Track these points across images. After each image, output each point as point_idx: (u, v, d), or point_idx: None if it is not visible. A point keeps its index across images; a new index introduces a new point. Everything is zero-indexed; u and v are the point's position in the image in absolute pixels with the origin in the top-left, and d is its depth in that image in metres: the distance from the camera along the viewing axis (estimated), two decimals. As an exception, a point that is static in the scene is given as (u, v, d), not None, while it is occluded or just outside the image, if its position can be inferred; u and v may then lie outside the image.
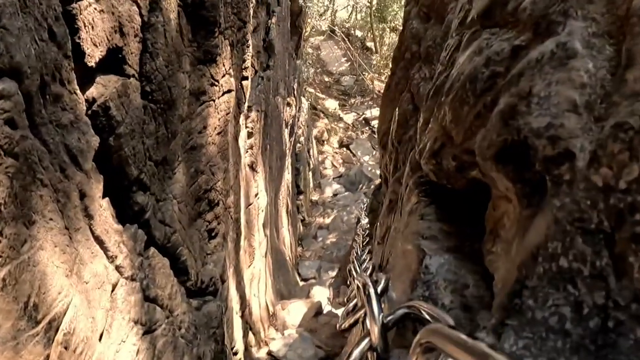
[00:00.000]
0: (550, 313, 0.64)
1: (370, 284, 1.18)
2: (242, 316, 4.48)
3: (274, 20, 5.84)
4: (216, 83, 3.22)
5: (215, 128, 3.31)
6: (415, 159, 1.34)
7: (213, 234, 3.39)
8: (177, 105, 2.54)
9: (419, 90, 2.20)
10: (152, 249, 2.15)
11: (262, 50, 5.59)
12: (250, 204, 5.55)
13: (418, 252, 1.02)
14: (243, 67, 4.16)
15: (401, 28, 3.38)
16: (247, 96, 4.35)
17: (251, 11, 4.37)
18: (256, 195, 5.80)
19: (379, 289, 1.29)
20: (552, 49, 0.79)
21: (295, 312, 6.42)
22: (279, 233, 9.14)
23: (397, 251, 1.22)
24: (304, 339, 5.29)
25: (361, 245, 5.54)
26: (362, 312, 1.50)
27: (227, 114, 3.52)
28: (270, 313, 6.33)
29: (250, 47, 4.29)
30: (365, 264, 4.21)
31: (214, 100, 3.23)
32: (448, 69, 1.13)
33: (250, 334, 5.00)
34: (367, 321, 1.06)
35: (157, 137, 2.26)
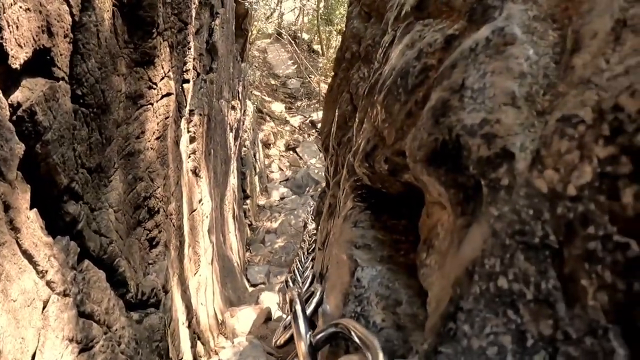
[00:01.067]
0: (489, 342, 0.54)
1: (297, 300, 1.11)
2: (189, 326, 4.34)
3: (217, 22, 5.73)
4: (154, 86, 3.11)
5: (153, 133, 3.20)
6: (350, 161, 1.32)
7: (154, 243, 3.27)
8: (112, 110, 2.43)
9: (357, 90, 2.19)
10: (87, 262, 2.03)
11: (205, 53, 5.47)
12: (194, 210, 5.40)
13: (350, 262, 0.93)
14: (184, 69, 4.05)
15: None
16: (189, 100, 4.23)
17: (193, 12, 4.27)
18: (200, 201, 5.66)
19: (315, 301, 1.22)
20: (488, 35, 0.71)
21: (244, 319, 6.31)
22: (225, 239, 8.97)
23: (332, 260, 1.15)
24: (254, 347, 5.22)
25: (306, 252, 5.38)
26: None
27: (166, 118, 3.41)
28: (219, 321, 6.19)
29: (192, 49, 4.18)
30: (308, 271, 4.15)
31: (152, 104, 3.12)
32: (382, 66, 1.07)
33: (199, 344, 4.86)
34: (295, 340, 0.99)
35: (90, 143, 2.15)
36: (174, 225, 3.98)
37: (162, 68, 3.17)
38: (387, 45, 1.12)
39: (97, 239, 2.17)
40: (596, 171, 0.48)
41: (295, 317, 1.05)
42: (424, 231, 0.82)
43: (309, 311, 1.37)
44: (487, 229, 0.59)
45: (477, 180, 0.65)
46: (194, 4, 4.38)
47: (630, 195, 0.45)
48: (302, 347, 0.94)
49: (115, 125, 2.54)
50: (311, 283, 2.67)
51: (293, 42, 21.30)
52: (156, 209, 3.28)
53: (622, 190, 0.46)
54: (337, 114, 2.63)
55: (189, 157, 5.14)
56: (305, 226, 10.12)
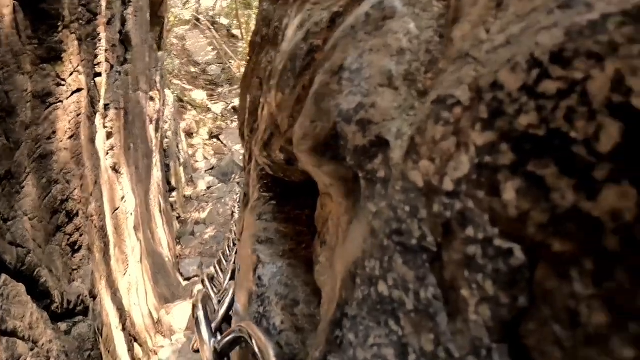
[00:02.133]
0: (373, 355, 0.48)
1: (199, 305, 1.06)
2: (124, 329, 4.20)
3: (130, 10, 5.43)
4: (63, 82, 2.92)
5: (65, 132, 3.02)
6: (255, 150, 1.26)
7: (76, 247, 3.11)
8: (18, 111, 2.26)
9: (265, 74, 2.22)
10: (4, 276, 1.90)
11: (119, 44, 5.17)
12: (117, 209, 5.17)
13: (254, 258, 0.88)
14: (95, 62, 3.82)
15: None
16: (102, 94, 4.01)
17: (103, 2, 4.01)
18: (122, 198, 5.42)
19: (227, 301, 1.17)
20: (367, 11, 0.63)
21: (180, 314, 6.19)
22: (154, 234, 8.66)
23: (240, 255, 1.08)
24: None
25: (232, 244, 5.14)
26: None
27: (78, 115, 3.22)
28: (155, 320, 6.02)
29: (103, 41, 3.95)
30: (231, 265, 4.03)
31: (62, 102, 2.93)
32: (278, 48, 1.01)
33: (137, 346, 4.71)
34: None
35: (-4, 149, 2.00)
36: (96, 227, 3.80)
37: (71, 63, 2.98)
38: (284, 28, 1.04)
39: (13, 251, 2.04)
40: (474, 162, 0.40)
41: (197, 324, 1.01)
42: (319, 223, 0.77)
43: (221, 312, 1.32)
44: (366, 226, 0.53)
45: (355, 173, 0.58)
46: (103, -8, 4.12)
47: (512, 190, 0.37)
48: (206, 353, 0.92)
49: (24, 128, 2.37)
50: (232, 278, 2.65)
51: (212, 27, 20.63)
52: (75, 211, 3.11)
53: (503, 184, 0.38)
54: (248, 100, 2.64)
55: (107, 153, 4.89)
56: (233, 215, 10.00)
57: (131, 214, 5.86)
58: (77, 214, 3.12)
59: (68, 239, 2.98)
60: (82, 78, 3.25)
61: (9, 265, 1.98)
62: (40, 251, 2.37)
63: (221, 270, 4.47)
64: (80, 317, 2.67)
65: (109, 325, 3.62)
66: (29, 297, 2.06)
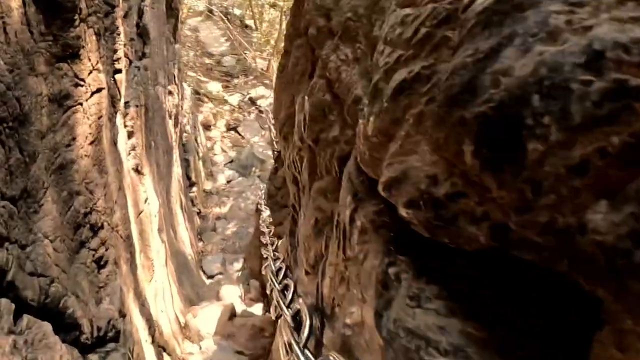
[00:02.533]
0: None
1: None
2: (153, 341, 3.97)
3: (147, 2, 5.11)
4: (82, 83, 2.63)
5: (86, 137, 2.73)
6: (369, 186, 1.01)
7: (102, 263, 2.84)
8: (32, 119, 1.97)
9: (339, 75, 1.81)
10: (26, 318, 1.62)
11: (136, 37, 4.87)
12: (141, 212, 4.94)
13: None
14: (114, 58, 3.53)
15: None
16: (123, 91, 3.73)
17: (117, -8, 3.70)
18: (146, 200, 5.17)
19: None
20: None
21: (207, 317, 5.97)
22: (176, 233, 8.48)
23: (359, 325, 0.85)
24: (222, 349, 4.92)
25: (272, 250, 4.92)
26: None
27: (99, 117, 2.93)
28: (182, 325, 5.82)
29: (122, 35, 3.65)
30: (278, 263, 3.82)
31: (81, 104, 2.64)
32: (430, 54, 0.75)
33: (165, 356, 4.49)
34: None
35: (9, 166, 1.71)
36: (122, 237, 3.55)
37: (90, 60, 2.68)
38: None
39: (34, 283, 1.76)
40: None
41: None
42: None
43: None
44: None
45: None
46: (118, -19, 3.81)
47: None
48: None
49: (40, 137, 2.08)
50: (285, 276, 2.48)
51: (225, 18, 20.39)
52: (99, 224, 2.85)
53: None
54: (306, 101, 2.26)
55: (129, 154, 4.63)
56: (257, 211, 9.71)
57: (155, 215, 5.63)
58: (101, 227, 2.85)
59: (93, 255, 2.71)
60: (102, 76, 2.96)
61: (31, 302, 1.70)
62: (64, 276, 2.10)
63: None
64: (112, 345, 2.40)
65: (139, 341, 3.38)
66: (56, 337, 1.78)
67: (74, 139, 2.56)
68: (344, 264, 1.17)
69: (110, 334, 2.45)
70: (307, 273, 1.71)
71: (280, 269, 3.42)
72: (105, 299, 2.73)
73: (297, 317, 1.61)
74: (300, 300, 1.75)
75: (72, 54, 2.40)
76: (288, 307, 1.79)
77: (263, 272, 4.38)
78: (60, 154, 2.39)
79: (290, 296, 2.05)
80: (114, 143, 3.52)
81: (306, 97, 2.26)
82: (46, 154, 2.19)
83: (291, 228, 2.78)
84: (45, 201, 2.09)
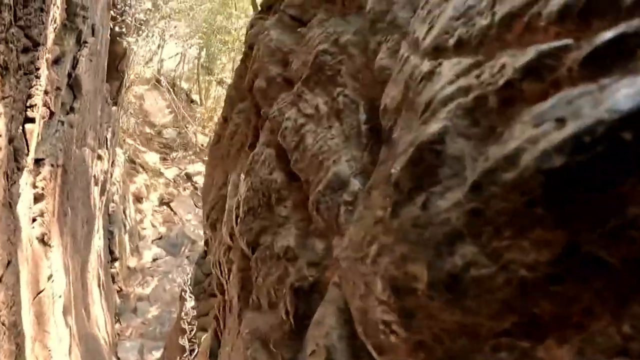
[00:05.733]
0: None
1: None
2: None
3: (85, 52, 4.63)
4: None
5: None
6: None
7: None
8: None
9: (301, 141, 1.31)
10: None
11: (66, 88, 4.31)
12: (41, 292, 4.06)
13: None
14: (28, 104, 2.95)
15: (233, 73, 2.62)
16: (33, 145, 3.10)
17: (50, 33, 3.22)
18: (50, 278, 4.31)
19: None
20: None
21: None
22: (89, 314, 7.32)
23: None
24: None
25: (187, 341, 4.02)
26: None
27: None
28: None
29: (43, 79, 3.11)
30: None
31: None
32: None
33: None
34: None
35: None
36: (4, 325, 2.74)
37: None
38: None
39: None
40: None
41: None
42: None
43: None
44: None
45: None
46: (53, 22, 3.35)
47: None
48: None
49: None
50: None
51: (172, 90, 20.29)
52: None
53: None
54: (241, 180, 1.71)
55: (34, 221, 3.87)
56: (181, 299, 8.61)
57: (60, 296, 4.73)
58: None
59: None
60: (2, 122, 2.37)
61: None
62: None
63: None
64: None
65: None
66: None
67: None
68: None
69: None
70: None
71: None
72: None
73: None
74: None
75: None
76: None
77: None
78: None
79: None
80: (10, 205, 2.83)
81: (242, 175, 1.70)
82: None
83: (212, 345, 2.15)
84: None
